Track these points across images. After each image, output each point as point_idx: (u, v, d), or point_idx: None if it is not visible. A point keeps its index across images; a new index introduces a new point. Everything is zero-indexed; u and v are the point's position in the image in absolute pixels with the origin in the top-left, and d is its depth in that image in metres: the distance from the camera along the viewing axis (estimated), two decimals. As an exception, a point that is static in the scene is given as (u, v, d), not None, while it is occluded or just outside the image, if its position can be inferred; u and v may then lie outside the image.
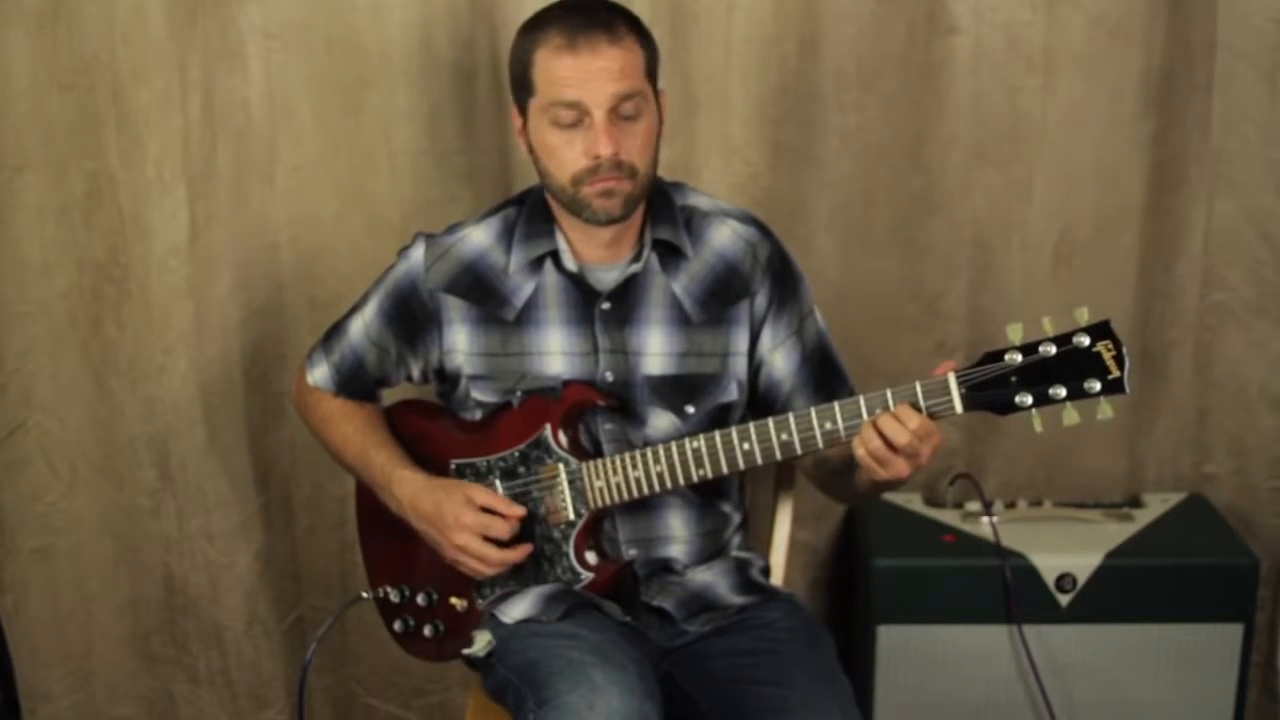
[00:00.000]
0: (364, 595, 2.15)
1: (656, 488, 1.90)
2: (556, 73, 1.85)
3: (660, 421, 1.97)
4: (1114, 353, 1.68)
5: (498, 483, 1.99)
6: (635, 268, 1.97)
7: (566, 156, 1.87)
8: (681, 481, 1.90)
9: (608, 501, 1.93)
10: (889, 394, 1.77)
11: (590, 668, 1.78)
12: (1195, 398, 2.62)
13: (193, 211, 2.39)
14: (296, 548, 2.60)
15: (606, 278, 1.98)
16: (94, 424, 2.49)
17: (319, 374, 2.12)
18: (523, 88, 1.91)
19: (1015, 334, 1.71)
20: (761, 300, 1.99)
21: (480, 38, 2.38)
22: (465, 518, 1.94)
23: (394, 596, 2.10)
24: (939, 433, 1.77)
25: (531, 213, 2.00)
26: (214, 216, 2.41)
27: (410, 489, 1.99)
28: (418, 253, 2.02)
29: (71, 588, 2.55)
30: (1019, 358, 1.71)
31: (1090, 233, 2.53)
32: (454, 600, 2.05)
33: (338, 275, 2.45)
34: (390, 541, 2.09)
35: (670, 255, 1.98)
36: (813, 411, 1.82)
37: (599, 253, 1.97)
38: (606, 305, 1.96)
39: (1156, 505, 2.58)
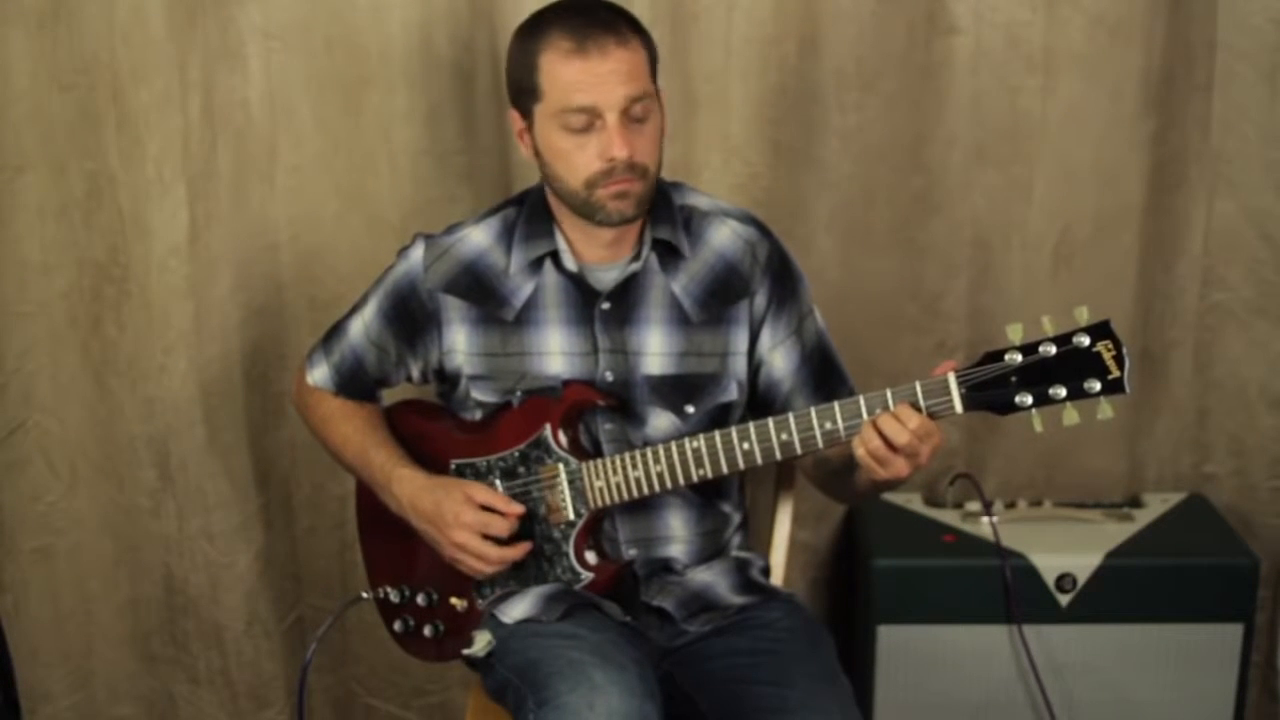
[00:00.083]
0: (364, 595, 2.15)
1: (656, 488, 1.90)
2: (567, 77, 1.84)
3: (660, 421, 1.97)
4: (1114, 352, 1.68)
5: (498, 482, 1.99)
6: (635, 267, 1.97)
7: (579, 160, 1.87)
8: (681, 481, 1.90)
9: (608, 501, 1.93)
10: (889, 394, 1.77)
11: (590, 668, 1.78)
12: (1195, 398, 2.61)
13: (193, 211, 2.39)
14: (296, 548, 2.60)
15: (606, 278, 1.98)
16: (94, 424, 2.49)
17: (319, 374, 2.12)
18: (527, 93, 1.89)
19: (1015, 334, 1.71)
20: (761, 300, 1.99)
21: (480, 38, 2.38)
22: (465, 516, 1.94)
23: (394, 597, 2.10)
24: (939, 432, 1.77)
25: (531, 213, 2.00)
26: (214, 216, 2.41)
27: (410, 487, 1.99)
28: (417, 253, 2.02)
29: (71, 588, 2.55)
30: (1019, 358, 1.71)
31: (1090, 233, 2.52)
32: (454, 600, 2.05)
33: (338, 275, 2.45)
34: (390, 542, 2.09)
35: (670, 255, 1.98)
36: (812, 411, 1.81)
37: (600, 253, 1.97)
38: (606, 305, 1.96)
39: (1156, 505, 2.58)
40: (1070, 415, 1.70)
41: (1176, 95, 2.47)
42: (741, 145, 2.46)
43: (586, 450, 1.98)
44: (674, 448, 1.88)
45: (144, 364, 2.45)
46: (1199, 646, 2.42)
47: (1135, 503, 2.61)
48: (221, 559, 2.54)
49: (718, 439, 1.87)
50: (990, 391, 1.73)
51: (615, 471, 1.92)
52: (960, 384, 1.74)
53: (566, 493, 1.95)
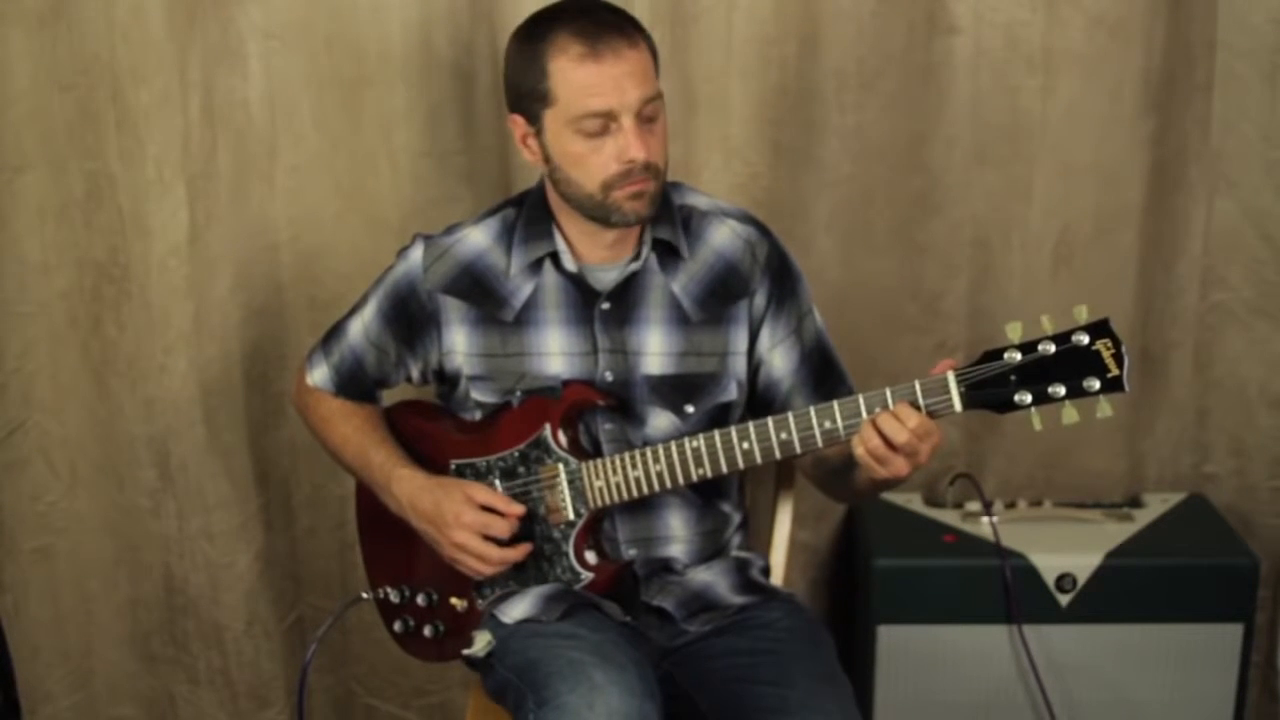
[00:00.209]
0: (364, 595, 2.15)
1: (656, 487, 1.90)
2: (582, 82, 1.83)
3: (660, 421, 1.97)
4: (1113, 351, 1.68)
5: (497, 483, 1.99)
6: (635, 267, 1.97)
7: (595, 163, 1.86)
8: (681, 481, 1.90)
9: (607, 501, 1.93)
10: (888, 393, 1.77)
11: (590, 668, 1.78)
12: (1195, 398, 2.61)
13: (193, 211, 2.39)
14: (296, 548, 2.60)
15: (606, 278, 1.97)
16: (94, 424, 2.49)
17: (318, 374, 2.12)
18: (535, 98, 1.87)
19: (1014, 332, 1.71)
20: (760, 299, 1.99)
21: (480, 38, 2.38)
22: (465, 516, 1.94)
23: (394, 597, 2.10)
24: (938, 431, 1.77)
25: (530, 214, 1.99)
26: (214, 216, 2.41)
27: (409, 487, 1.99)
28: (416, 254, 2.02)
29: (71, 588, 2.55)
30: (1018, 356, 1.71)
31: (1090, 232, 2.52)
32: (454, 600, 2.05)
33: (338, 275, 2.45)
34: (390, 542, 2.09)
35: (669, 255, 1.98)
36: (812, 410, 1.81)
37: (601, 253, 1.97)
38: (606, 305, 1.96)
39: (1156, 505, 2.58)
40: (1070, 414, 1.70)
41: (1176, 95, 2.47)
42: (741, 145, 2.46)
43: (586, 450, 1.98)
44: (674, 447, 1.88)
45: (144, 364, 2.45)
46: (1199, 646, 2.42)
47: (1135, 503, 2.61)
48: (221, 559, 2.54)
49: (717, 439, 1.87)
50: (989, 390, 1.73)
51: (615, 471, 1.92)
52: (959, 383, 1.74)
53: (566, 493, 1.95)
